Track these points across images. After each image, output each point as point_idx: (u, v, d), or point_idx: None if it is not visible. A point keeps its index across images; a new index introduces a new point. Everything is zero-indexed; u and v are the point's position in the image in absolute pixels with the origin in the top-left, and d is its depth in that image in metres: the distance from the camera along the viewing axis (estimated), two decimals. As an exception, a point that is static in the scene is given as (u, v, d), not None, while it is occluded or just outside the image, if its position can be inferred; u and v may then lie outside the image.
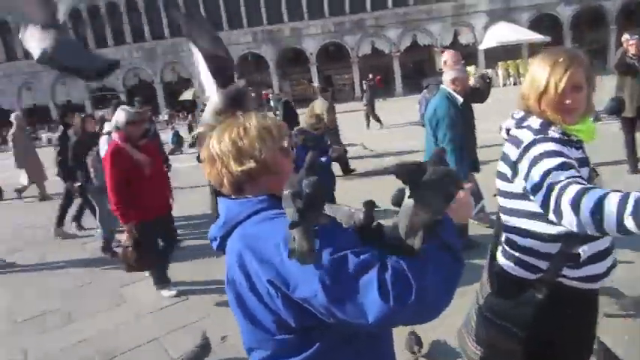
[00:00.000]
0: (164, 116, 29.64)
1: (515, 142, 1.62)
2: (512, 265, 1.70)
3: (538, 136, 1.55)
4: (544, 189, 1.41)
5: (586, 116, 1.63)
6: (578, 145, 1.64)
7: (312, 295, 1.01)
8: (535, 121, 1.62)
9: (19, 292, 5.10)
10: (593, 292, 1.70)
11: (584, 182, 1.38)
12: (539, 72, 1.58)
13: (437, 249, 1.04)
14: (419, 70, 33.12)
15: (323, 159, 4.56)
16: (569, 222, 1.33)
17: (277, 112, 12.73)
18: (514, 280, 1.70)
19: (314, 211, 1.04)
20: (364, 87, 16.66)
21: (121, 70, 35.57)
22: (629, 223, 1.19)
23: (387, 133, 14.66)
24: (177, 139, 15.90)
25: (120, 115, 4.15)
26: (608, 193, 1.26)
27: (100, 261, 5.64)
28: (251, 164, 1.18)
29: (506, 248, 1.74)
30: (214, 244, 1.26)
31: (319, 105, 8.53)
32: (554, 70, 1.54)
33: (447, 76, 4.43)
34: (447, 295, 1.05)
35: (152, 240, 4.29)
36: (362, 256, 1.00)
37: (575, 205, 1.29)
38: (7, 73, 35.30)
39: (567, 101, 1.54)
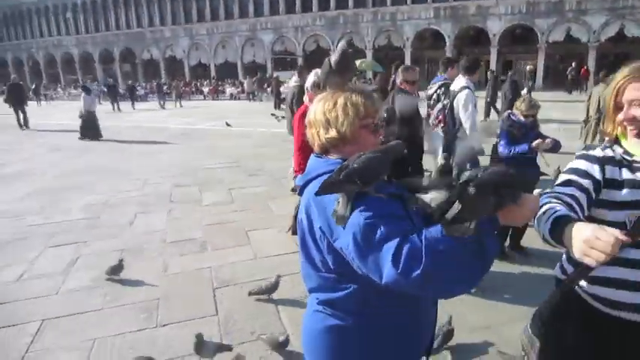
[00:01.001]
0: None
1: None
2: (559, 264, 1.73)
3: (578, 153, 1.60)
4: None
5: None
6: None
7: (346, 246, 1.22)
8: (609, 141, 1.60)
9: (174, 220, 6.03)
10: (610, 317, 1.53)
11: (566, 199, 1.45)
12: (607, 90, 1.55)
13: (468, 241, 1.11)
14: (618, 64, 28.30)
15: (521, 147, 4.03)
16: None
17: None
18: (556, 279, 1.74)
19: (352, 183, 1.20)
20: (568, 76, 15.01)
21: (303, 35, 37.86)
22: (546, 234, 1.35)
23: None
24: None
25: (310, 78, 4.19)
26: (553, 206, 1.39)
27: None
28: (334, 134, 1.39)
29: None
30: (298, 191, 1.50)
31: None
32: (612, 82, 1.51)
33: None
34: (460, 284, 1.18)
35: None
36: (391, 226, 1.17)
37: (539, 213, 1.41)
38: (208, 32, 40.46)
39: (620, 117, 1.48)
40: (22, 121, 17.22)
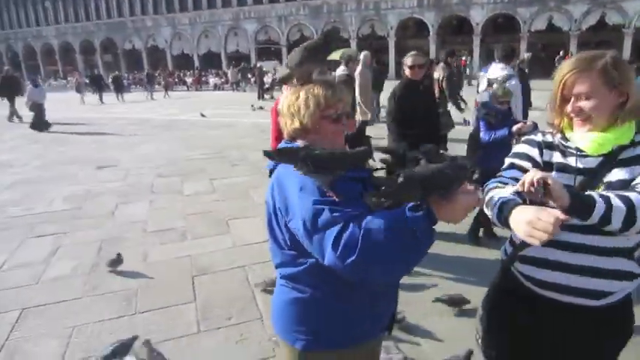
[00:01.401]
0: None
1: None
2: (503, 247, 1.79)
3: (524, 138, 1.72)
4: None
5: (617, 123, 1.48)
6: (573, 152, 1.53)
7: (296, 228, 1.34)
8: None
9: (155, 210, 6.08)
10: (539, 296, 1.59)
11: (511, 182, 1.56)
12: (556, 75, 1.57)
13: (403, 234, 1.21)
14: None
15: (501, 132, 4.07)
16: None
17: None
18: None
19: (305, 164, 1.30)
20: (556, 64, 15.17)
21: (287, 24, 37.60)
22: (494, 218, 1.47)
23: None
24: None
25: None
26: (498, 192, 1.51)
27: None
28: (297, 125, 1.49)
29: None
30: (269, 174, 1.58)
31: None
32: (557, 75, 1.54)
33: None
34: (391, 272, 1.31)
35: None
36: (335, 212, 1.26)
37: (485, 197, 1.56)
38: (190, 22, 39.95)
39: (568, 108, 1.53)
40: (15, 113, 16.63)
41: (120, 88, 26.22)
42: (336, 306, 1.46)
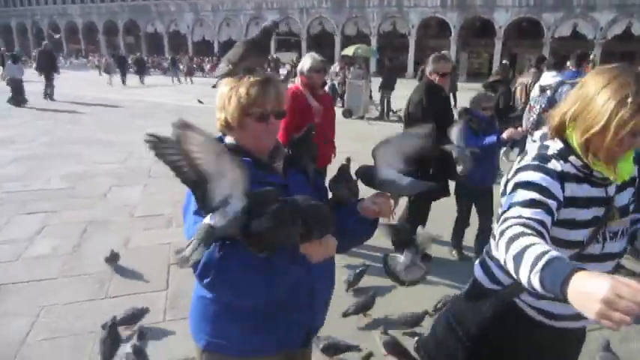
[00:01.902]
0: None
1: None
2: (483, 273, 1.66)
3: (533, 163, 1.39)
4: (501, 219, 1.31)
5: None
6: (600, 181, 1.39)
7: (185, 228, 1.38)
8: (555, 144, 1.42)
9: (148, 195, 6.11)
10: (553, 328, 1.54)
11: (537, 227, 1.23)
12: (598, 102, 1.28)
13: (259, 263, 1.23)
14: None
15: (490, 139, 3.86)
16: (503, 260, 1.21)
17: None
18: (483, 289, 1.65)
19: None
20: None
21: (308, 16, 37.45)
22: (534, 280, 1.06)
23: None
24: (333, 93, 16.26)
25: (306, 61, 4.13)
26: (536, 243, 1.12)
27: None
28: (222, 119, 1.47)
29: (485, 257, 1.68)
30: None
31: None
32: (619, 107, 1.23)
33: None
34: (242, 298, 1.36)
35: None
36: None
37: (509, 245, 1.18)
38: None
39: (618, 148, 1.30)
40: (48, 90, 16.16)
41: (142, 70, 25.85)
42: (229, 313, 1.44)
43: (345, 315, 3.26)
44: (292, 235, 1.16)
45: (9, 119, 12.42)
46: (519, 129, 3.90)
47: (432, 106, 4.04)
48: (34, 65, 17.48)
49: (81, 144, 9.20)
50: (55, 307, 3.41)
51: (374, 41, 35.04)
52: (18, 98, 14.72)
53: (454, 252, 4.45)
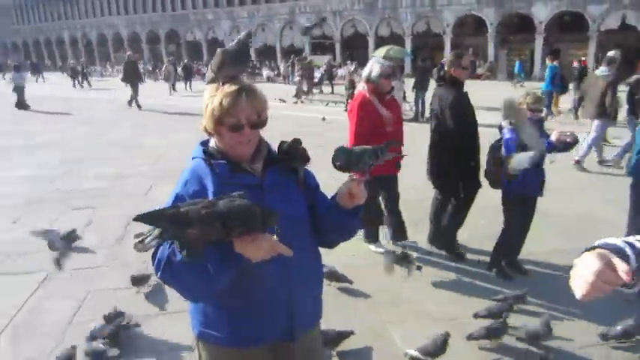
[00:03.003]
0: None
1: None
2: None
3: None
4: None
5: None
6: None
7: None
8: None
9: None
10: None
11: None
12: None
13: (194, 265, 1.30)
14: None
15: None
16: None
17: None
18: None
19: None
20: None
21: (341, 19, 37.61)
22: None
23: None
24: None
25: (374, 67, 4.01)
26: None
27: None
28: (202, 125, 1.56)
29: None
30: None
31: None
32: None
33: None
34: (186, 296, 1.47)
35: (374, 196, 4.29)
36: None
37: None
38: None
39: None
40: (134, 100, 16.48)
41: (189, 76, 25.89)
42: (213, 306, 1.55)
43: (470, 338, 3.06)
44: (207, 233, 1.21)
45: (58, 124, 13.27)
46: (568, 132, 3.57)
47: (457, 101, 4.00)
48: (121, 76, 18.00)
49: (115, 147, 9.77)
50: (99, 292, 3.74)
51: (408, 42, 34.79)
52: (22, 103, 16.76)
53: (494, 270, 4.06)
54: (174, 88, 23.16)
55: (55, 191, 6.62)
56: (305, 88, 19.99)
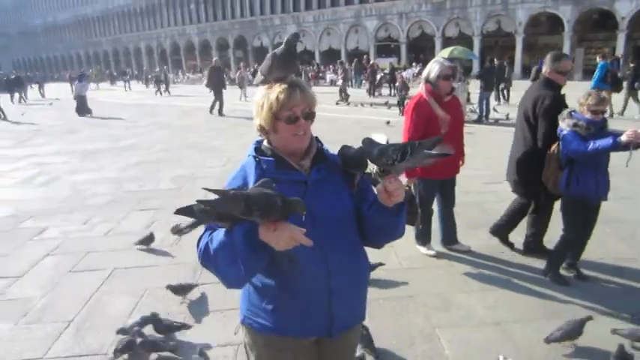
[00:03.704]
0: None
1: None
2: None
3: None
4: None
5: None
6: None
7: None
8: None
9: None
10: None
11: None
12: None
13: (228, 244, 1.40)
14: None
15: (604, 142, 3.28)
16: None
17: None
18: None
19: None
20: None
21: (407, 21, 37.09)
22: None
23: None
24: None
25: (434, 68, 3.96)
26: None
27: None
28: (256, 123, 1.63)
29: None
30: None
31: None
32: None
33: None
34: (222, 279, 1.49)
35: (429, 199, 4.33)
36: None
37: None
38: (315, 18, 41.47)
39: None
40: (218, 106, 16.42)
41: None
42: (257, 294, 1.61)
43: (549, 341, 2.96)
44: (233, 209, 1.29)
45: (136, 129, 14.13)
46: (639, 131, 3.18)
47: (554, 106, 3.80)
48: (205, 82, 18.40)
49: (189, 150, 10.22)
50: (156, 290, 3.91)
51: (477, 42, 33.64)
52: (83, 109, 18.62)
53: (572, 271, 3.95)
54: (245, 95, 22.31)
55: (132, 192, 7.03)
56: (347, 90, 20.30)
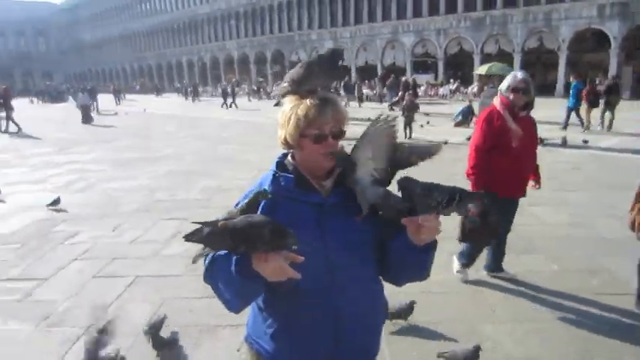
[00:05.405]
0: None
1: None
2: None
3: None
4: None
5: None
6: None
7: None
8: None
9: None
10: None
11: None
12: None
13: (224, 270, 1.35)
14: None
15: None
16: None
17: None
18: None
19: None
20: None
21: (445, 37, 36.75)
22: None
23: None
24: (464, 114, 15.49)
25: (507, 79, 3.93)
26: None
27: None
28: (281, 137, 1.51)
29: None
30: None
31: None
32: None
33: None
34: (222, 297, 1.41)
35: (497, 219, 4.04)
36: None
37: None
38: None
39: None
40: None
41: None
42: (260, 315, 1.54)
43: None
44: (219, 244, 1.27)
45: (171, 140, 14.47)
46: None
47: None
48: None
49: (221, 162, 10.35)
50: (174, 300, 3.89)
51: (517, 58, 32.88)
52: (88, 118, 21.05)
53: None
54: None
55: (162, 201, 7.14)
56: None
